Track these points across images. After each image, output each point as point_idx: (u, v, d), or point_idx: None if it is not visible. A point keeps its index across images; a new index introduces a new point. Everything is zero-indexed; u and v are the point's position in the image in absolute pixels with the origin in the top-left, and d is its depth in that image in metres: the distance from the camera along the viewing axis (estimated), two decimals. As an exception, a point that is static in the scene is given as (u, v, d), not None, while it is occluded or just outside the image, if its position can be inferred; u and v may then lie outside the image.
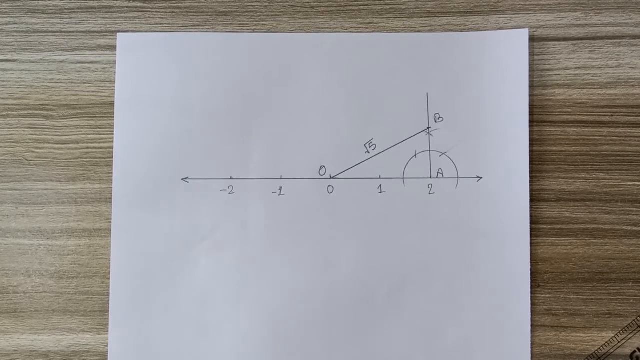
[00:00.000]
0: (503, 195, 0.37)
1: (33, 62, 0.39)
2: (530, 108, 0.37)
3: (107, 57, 0.39)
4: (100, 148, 0.38)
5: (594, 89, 0.38)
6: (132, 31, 0.39)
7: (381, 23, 0.39)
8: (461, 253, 0.37)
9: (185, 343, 0.37)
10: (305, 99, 0.38)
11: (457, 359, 0.37)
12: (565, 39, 0.38)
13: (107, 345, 0.37)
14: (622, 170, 0.38)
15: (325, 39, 0.38)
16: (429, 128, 0.38)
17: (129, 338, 0.37)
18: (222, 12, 0.39)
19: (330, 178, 0.38)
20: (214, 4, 0.39)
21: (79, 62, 0.39)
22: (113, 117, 0.38)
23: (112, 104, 0.38)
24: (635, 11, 0.38)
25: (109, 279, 0.37)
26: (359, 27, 0.39)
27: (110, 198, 0.38)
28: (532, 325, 0.37)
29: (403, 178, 0.38)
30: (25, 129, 0.38)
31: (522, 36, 0.38)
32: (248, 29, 0.39)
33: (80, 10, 0.39)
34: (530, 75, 0.38)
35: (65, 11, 0.39)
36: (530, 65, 0.38)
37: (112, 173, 0.38)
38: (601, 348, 0.37)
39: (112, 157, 0.38)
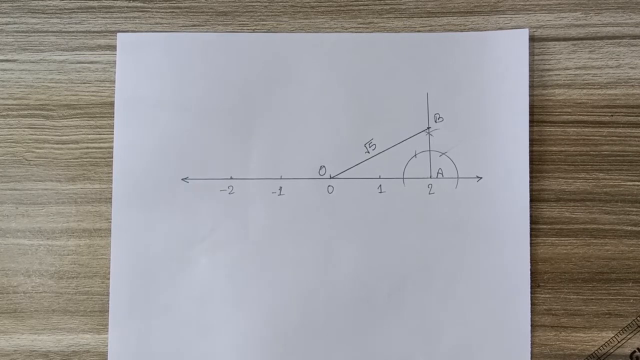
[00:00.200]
0: (503, 195, 0.37)
1: (33, 62, 0.39)
2: (530, 108, 0.37)
3: (107, 57, 0.39)
4: (100, 148, 0.38)
5: (594, 89, 0.38)
6: (132, 31, 0.39)
7: (381, 23, 0.39)
8: (461, 253, 0.37)
9: (185, 343, 0.37)
10: (305, 99, 0.38)
11: (457, 359, 0.37)
12: (565, 39, 0.38)
13: (107, 345, 0.37)
14: (622, 170, 0.38)
15: (325, 39, 0.38)
16: (429, 128, 0.38)
17: (129, 338, 0.37)
18: (222, 12, 0.39)
19: (330, 178, 0.38)
20: (214, 4, 0.39)
21: (79, 62, 0.39)
22: (113, 117, 0.38)
23: (112, 104, 0.38)
24: (635, 11, 0.38)
25: (109, 279, 0.37)
26: (359, 27, 0.39)
27: (110, 198, 0.38)
28: (532, 325, 0.37)
29: (403, 178, 0.38)
30: (25, 129, 0.38)
31: (522, 36, 0.38)
32: (248, 29, 0.39)
33: (80, 10, 0.39)
34: (530, 75, 0.38)
35: (65, 11, 0.39)
36: (530, 65, 0.38)
37: (112, 173, 0.38)
38: (601, 348, 0.37)
39: (112, 157, 0.38)
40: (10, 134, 0.38)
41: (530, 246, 0.37)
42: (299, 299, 0.37)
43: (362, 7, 0.39)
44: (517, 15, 0.38)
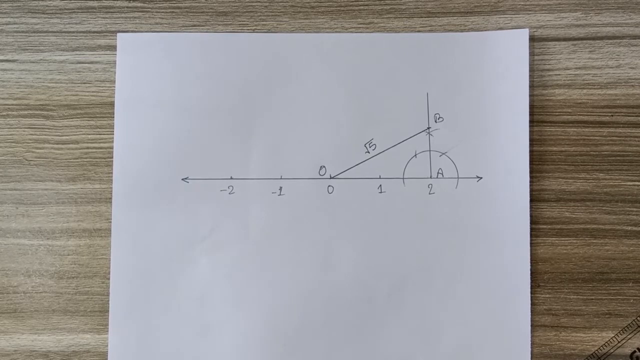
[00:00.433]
0: (503, 195, 0.37)
1: (33, 62, 0.39)
2: (530, 108, 0.37)
3: (107, 57, 0.39)
4: (100, 148, 0.38)
5: (594, 89, 0.38)
6: (132, 31, 0.39)
7: (381, 23, 0.39)
8: (461, 253, 0.37)
9: (185, 343, 0.37)
10: (305, 99, 0.38)
11: (457, 359, 0.37)
12: (565, 39, 0.38)
13: (107, 345, 0.37)
14: (622, 170, 0.38)
15: (325, 39, 0.38)
16: (429, 128, 0.38)
17: (129, 338, 0.37)
18: (222, 12, 0.39)
19: (330, 178, 0.38)
20: (214, 4, 0.39)
21: (79, 62, 0.39)
22: (113, 117, 0.38)
23: (112, 104, 0.38)
24: (635, 11, 0.38)
25: (109, 279, 0.37)
26: (359, 27, 0.39)
27: (110, 198, 0.38)
28: (532, 325, 0.37)
29: (403, 178, 0.38)
30: (25, 129, 0.38)
31: (522, 36, 0.38)
32: (248, 29, 0.39)
33: (80, 10, 0.39)
34: (530, 75, 0.38)
35: (65, 11, 0.39)
36: (530, 65, 0.38)
37: (112, 173, 0.38)
38: (601, 348, 0.37)
39: (112, 157, 0.38)
40: (10, 134, 0.38)
41: (530, 246, 0.37)
42: (299, 298, 0.37)
43: (362, 7, 0.39)
44: (517, 15, 0.38)
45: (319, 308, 0.37)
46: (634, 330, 0.37)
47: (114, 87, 0.38)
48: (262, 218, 0.37)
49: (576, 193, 0.38)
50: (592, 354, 0.37)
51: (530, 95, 0.37)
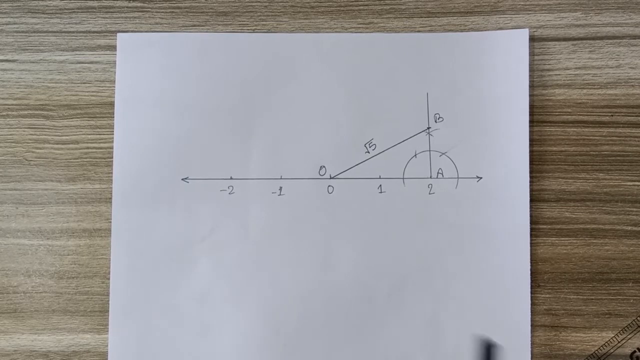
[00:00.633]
0: (503, 195, 0.37)
1: (33, 62, 0.39)
2: (530, 108, 0.37)
3: (107, 57, 0.39)
4: (100, 148, 0.38)
5: (594, 89, 0.38)
6: (132, 31, 0.39)
7: (381, 23, 0.39)
8: (461, 253, 0.37)
9: (185, 343, 0.37)
10: (305, 99, 0.38)
11: (457, 359, 0.37)
12: (565, 39, 0.38)
13: (107, 345, 0.37)
14: (622, 170, 0.38)
15: (325, 39, 0.38)
16: (429, 128, 0.38)
17: (129, 338, 0.37)
18: (222, 12, 0.39)
19: (330, 178, 0.38)
20: (214, 4, 0.39)
21: (79, 62, 0.39)
22: (113, 117, 0.38)
23: (112, 104, 0.38)
24: (635, 11, 0.38)
25: (109, 279, 0.37)
26: (359, 27, 0.39)
27: (110, 198, 0.38)
28: (532, 325, 0.37)
29: (403, 178, 0.38)
30: (25, 129, 0.38)
31: (522, 36, 0.38)
32: (248, 29, 0.39)
33: (80, 10, 0.39)
34: (530, 75, 0.38)
35: (65, 11, 0.39)
36: (530, 65, 0.38)
37: (112, 173, 0.38)
38: (601, 348, 0.37)
39: (112, 157, 0.38)
40: (10, 134, 0.38)
41: (530, 246, 0.37)
42: (299, 298, 0.37)
43: (362, 7, 0.39)
44: (517, 15, 0.38)
45: (319, 308, 0.37)
46: (634, 330, 0.37)
47: (114, 87, 0.38)
48: (262, 218, 0.37)
49: (576, 193, 0.38)
50: (592, 354, 0.37)
51: (530, 95, 0.37)
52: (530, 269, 0.37)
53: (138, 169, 0.38)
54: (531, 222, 0.37)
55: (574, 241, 0.38)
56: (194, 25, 0.39)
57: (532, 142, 0.37)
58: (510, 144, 0.37)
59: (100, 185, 0.38)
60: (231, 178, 0.38)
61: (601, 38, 0.38)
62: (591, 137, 0.38)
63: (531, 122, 0.37)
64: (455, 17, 0.38)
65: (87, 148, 0.38)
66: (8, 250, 0.38)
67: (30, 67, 0.39)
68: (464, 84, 0.38)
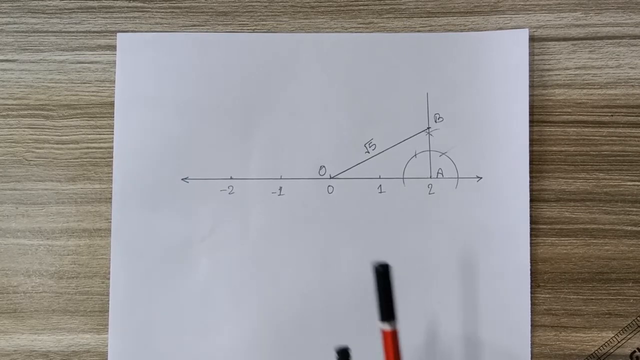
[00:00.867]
0: (503, 195, 0.37)
1: (33, 62, 0.39)
2: (530, 108, 0.37)
3: (107, 57, 0.39)
4: (100, 148, 0.38)
5: (594, 89, 0.38)
6: (132, 31, 0.39)
7: (381, 23, 0.39)
8: (461, 253, 0.37)
9: (185, 343, 0.37)
10: (305, 99, 0.38)
11: (457, 358, 0.37)
12: (565, 39, 0.38)
13: (107, 345, 0.37)
14: (622, 170, 0.38)
15: (325, 39, 0.38)
16: (429, 128, 0.38)
17: (129, 338, 0.37)
18: (222, 12, 0.39)
19: (330, 178, 0.38)
20: (214, 4, 0.39)
21: (79, 62, 0.39)
22: (113, 117, 0.38)
23: (112, 104, 0.38)
24: (635, 11, 0.38)
25: (109, 279, 0.37)
26: (359, 27, 0.39)
27: (110, 198, 0.38)
28: (532, 325, 0.37)
29: (403, 178, 0.38)
30: (25, 129, 0.38)
31: (522, 36, 0.38)
32: (248, 29, 0.39)
33: (80, 10, 0.39)
34: (530, 75, 0.38)
35: (65, 11, 0.39)
36: (530, 65, 0.38)
37: (112, 173, 0.38)
38: (601, 348, 0.37)
39: (112, 157, 0.38)
40: (10, 134, 0.38)
41: (530, 246, 0.37)
42: (299, 298, 0.37)
43: (362, 7, 0.39)
44: (517, 15, 0.38)
45: (319, 308, 0.37)
46: (634, 330, 0.37)
47: (114, 87, 0.38)
48: (262, 218, 0.37)
49: (576, 193, 0.38)
50: (592, 354, 0.37)
51: (530, 95, 0.37)
52: (530, 269, 0.37)
53: (138, 169, 0.38)
54: (531, 222, 0.37)
55: (574, 241, 0.38)
56: (194, 25, 0.39)
57: (532, 142, 0.37)
58: (510, 144, 0.37)
59: (100, 185, 0.38)
60: (231, 178, 0.38)
61: (601, 38, 0.38)
62: (591, 137, 0.38)
63: (531, 122, 0.37)
64: (455, 17, 0.38)
65: (87, 148, 0.38)
66: (8, 250, 0.38)
67: (30, 67, 0.39)
68: (463, 84, 0.38)
